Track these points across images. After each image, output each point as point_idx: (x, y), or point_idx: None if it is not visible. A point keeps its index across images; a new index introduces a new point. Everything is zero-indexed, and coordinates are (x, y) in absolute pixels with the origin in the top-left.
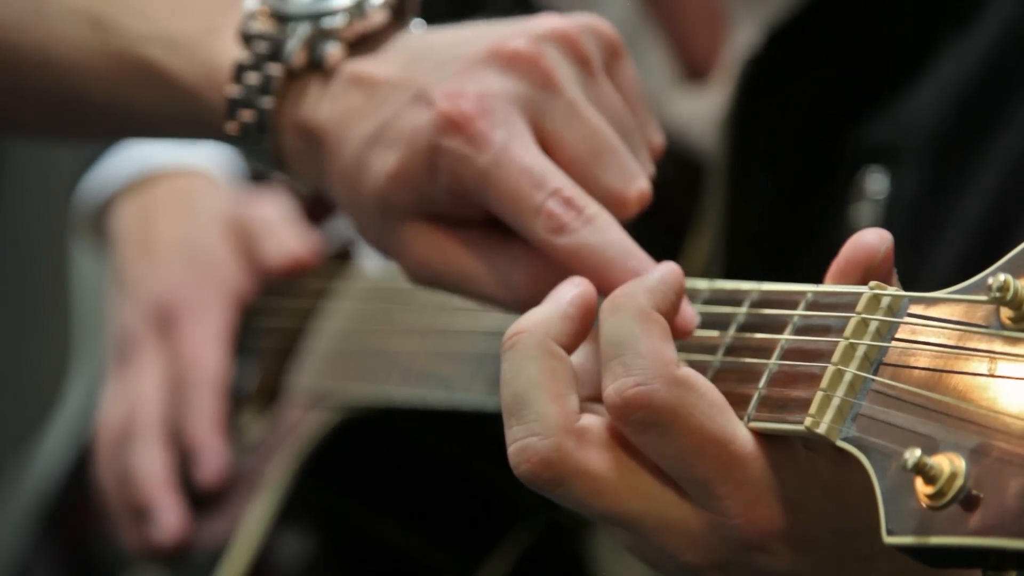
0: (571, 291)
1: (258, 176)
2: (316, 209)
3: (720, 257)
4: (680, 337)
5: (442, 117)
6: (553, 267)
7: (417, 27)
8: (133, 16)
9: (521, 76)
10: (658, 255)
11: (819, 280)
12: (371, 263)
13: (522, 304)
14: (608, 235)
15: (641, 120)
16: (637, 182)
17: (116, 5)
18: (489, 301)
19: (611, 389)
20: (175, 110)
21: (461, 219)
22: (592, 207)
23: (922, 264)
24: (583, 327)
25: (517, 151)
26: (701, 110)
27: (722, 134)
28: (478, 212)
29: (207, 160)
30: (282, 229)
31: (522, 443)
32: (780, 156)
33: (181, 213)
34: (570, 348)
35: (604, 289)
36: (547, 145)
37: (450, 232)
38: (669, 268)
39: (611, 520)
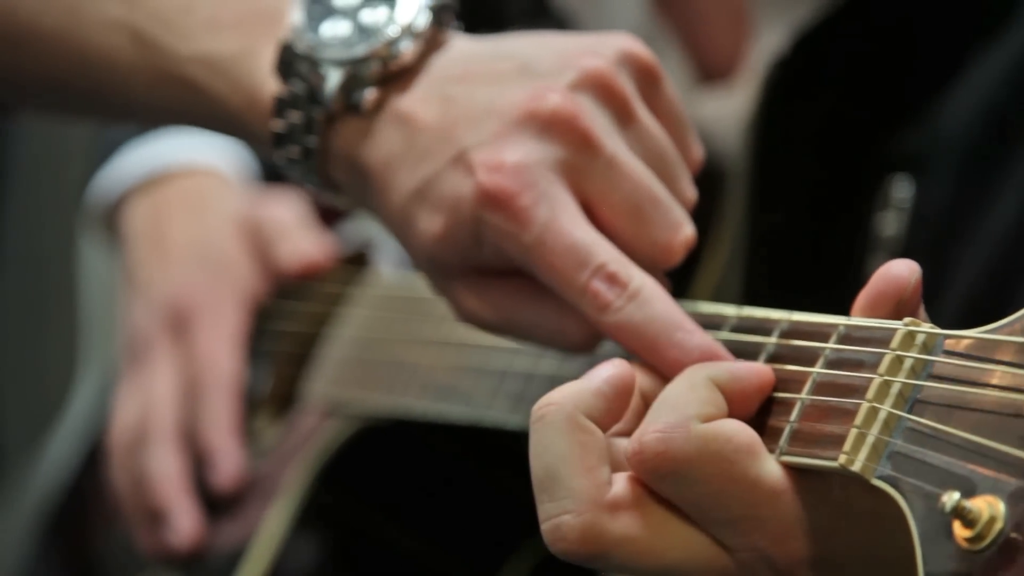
0: (608, 370)
1: (272, 177)
2: (330, 212)
3: (740, 263)
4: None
5: (483, 192)
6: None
7: (455, 31)
8: (172, 32)
9: (559, 139)
10: None
11: (842, 289)
12: (388, 269)
13: (576, 349)
14: (653, 309)
15: (682, 142)
16: (682, 231)
17: (154, 19)
18: (544, 346)
19: (634, 435)
20: (221, 127)
21: (508, 271)
22: (636, 280)
23: (947, 274)
24: (618, 406)
25: (560, 227)
26: (723, 113)
27: (745, 138)
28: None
29: (220, 160)
30: (296, 231)
31: (555, 521)
32: (804, 161)
33: (194, 213)
34: (603, 426)
35: (653, 362)
36: (590, 206)
37: (498, 283)
38: (763, 368)
39: (654, 574)
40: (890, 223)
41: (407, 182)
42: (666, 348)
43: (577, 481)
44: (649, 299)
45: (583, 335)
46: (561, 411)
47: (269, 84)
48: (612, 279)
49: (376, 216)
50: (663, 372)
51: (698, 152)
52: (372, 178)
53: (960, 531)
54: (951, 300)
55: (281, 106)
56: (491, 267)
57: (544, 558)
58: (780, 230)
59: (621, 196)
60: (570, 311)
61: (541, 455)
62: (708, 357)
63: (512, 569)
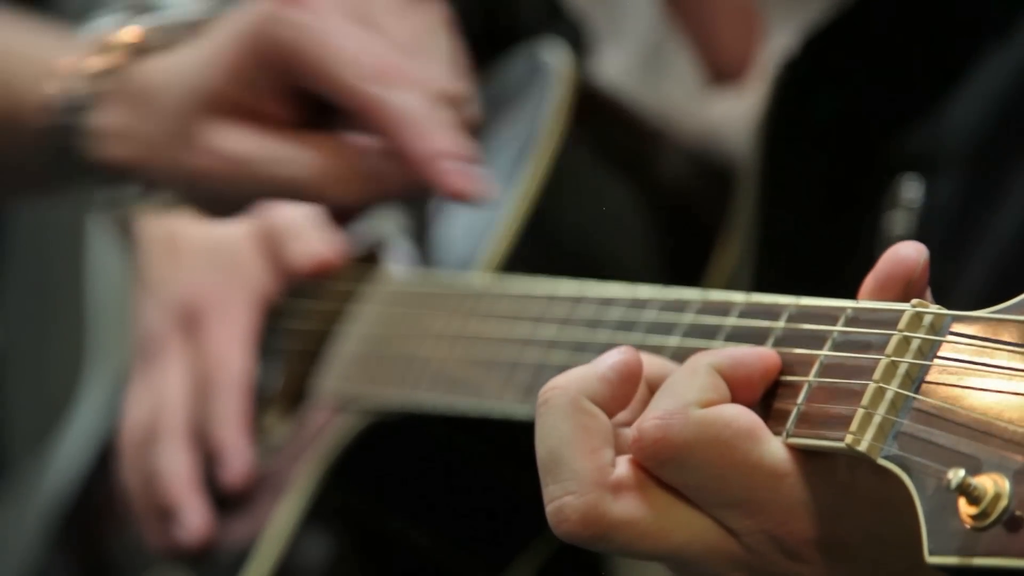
0: (615, 356)
1: None
2: (341, 212)
3: (750, 263)
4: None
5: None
6: (360, 154)
7: None
8: None
9: None
10: (688, 259)
11: (851, 287)
12: (398, 267)
13: (331, 189)
14: (416, 101)
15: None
16: (456, 82)
17: None
18: (298, 189)
19: (635, 422)
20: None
21: (272, 114)
22: (404, 76)
23: (956, 274)
24: (623, 392)
25: (338, 20)
26: (734, 114)
27: (755, 138)
28: (292, 103)
29: None
30: (307, 230)
31: (558, 503)
32: (814, 162)
33: None
34: (608, 410)
35: (401, 151)
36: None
37: (260, 125)
38: (767, 353)
39: (657, 557)
40: (899, 223)
41: (192, 52)
42: (419, 136)
43: (580, 463)
44: (414, 95)
45: (336, 168)
46: (565, 395)
47: (74, 45)
48: (383, 64)
49: (140, 136)
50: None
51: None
52: (150, 91)
53: (965, 508)
54: (961, 299)
55: (87, 52)
56: (261, 104)
57: (553, 554)
58: (790, 230)
59: (400, 32)
60: (326, 145)
61: (545, 438)
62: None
63: (522, 565)
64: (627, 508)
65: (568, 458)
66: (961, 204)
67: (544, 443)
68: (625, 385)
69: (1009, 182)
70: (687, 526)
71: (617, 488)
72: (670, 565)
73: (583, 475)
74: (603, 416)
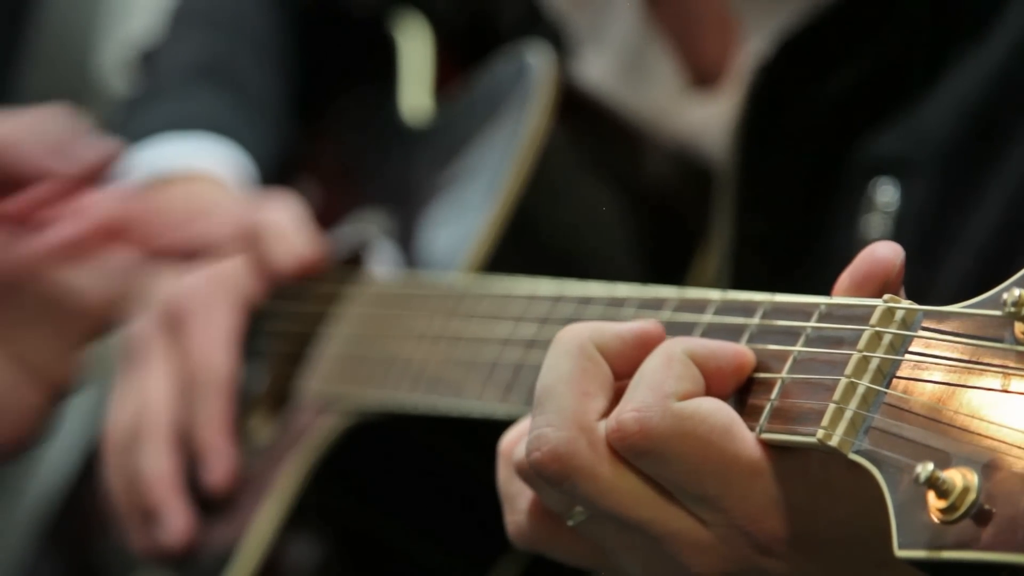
0: (639, 322)
1: (270, 180)
2: (327, 213)
3: (729, 266)
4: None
5: None
6: None
7: None
8: None
9: None
10: (668, 263)
11: (828, 290)
12: (381, 269)
13: None
14: None
15: None
16: None
17: None
18: None
19: (612, 413)
20: None
21: None
22: None
23: (932, 276)
24: (634, 355)
25: None
26: (712, 118)
27: (731, 142)
28: None
29: (218, 165)
30: (291, 233)
31: (538, 432)
32: (790, 166)
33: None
34: (616, 368)
35: None
36: None
37: None
38: (742, 349)
39: (617, 520)
40: (875, 226)
41: None
42: None
43: (568, 400)
44: None
45: None
46: (576, 338)
47: None
48: None
49: None
50: None
51: None
52: None
53: (934, 502)
54: (937, 301)
55: None
56: None
57: (536, 556)
58: (767, 232)
59: None
60: None
61: (545, 374)
62: None
63: (505, 566)
64: (598, 460)
65: (559, 394)
66: (935, 207)
67: (543, 378)
68: (638, 348)
69: (982, 185)
70: (652, 505)
71: (595, 436)
72: (631, 552)
73: (566, 411)
74: (605, 366)
